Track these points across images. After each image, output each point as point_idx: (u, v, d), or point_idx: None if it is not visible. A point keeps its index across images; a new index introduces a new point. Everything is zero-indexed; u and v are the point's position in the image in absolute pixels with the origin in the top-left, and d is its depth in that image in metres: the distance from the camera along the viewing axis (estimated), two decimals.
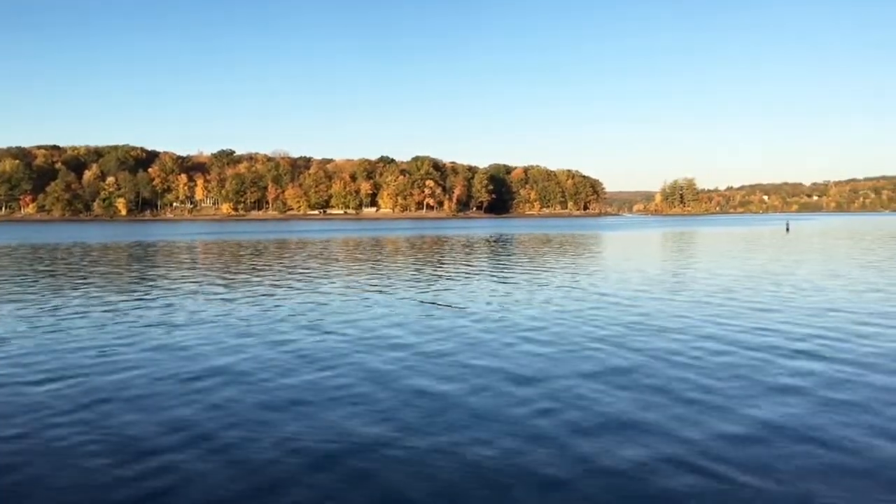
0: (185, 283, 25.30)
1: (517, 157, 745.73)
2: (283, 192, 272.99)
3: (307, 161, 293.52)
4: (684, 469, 6.94)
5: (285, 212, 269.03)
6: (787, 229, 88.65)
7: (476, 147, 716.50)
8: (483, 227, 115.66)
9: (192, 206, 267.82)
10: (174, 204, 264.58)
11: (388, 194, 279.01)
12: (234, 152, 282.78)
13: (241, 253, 45.28)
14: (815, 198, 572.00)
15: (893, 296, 19.96)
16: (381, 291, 22.10)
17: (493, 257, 39.10)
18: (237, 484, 6.73)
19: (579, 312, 17.09)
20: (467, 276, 27.32)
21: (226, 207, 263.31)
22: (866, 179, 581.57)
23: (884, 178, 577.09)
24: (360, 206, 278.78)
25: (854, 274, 26.60)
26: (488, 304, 18.89)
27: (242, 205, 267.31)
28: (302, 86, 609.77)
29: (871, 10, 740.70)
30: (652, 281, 24.77)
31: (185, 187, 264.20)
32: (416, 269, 30.44)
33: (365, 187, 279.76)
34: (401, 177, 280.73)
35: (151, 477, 6.91)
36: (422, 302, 19.47)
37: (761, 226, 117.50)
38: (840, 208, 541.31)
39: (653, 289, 22.19)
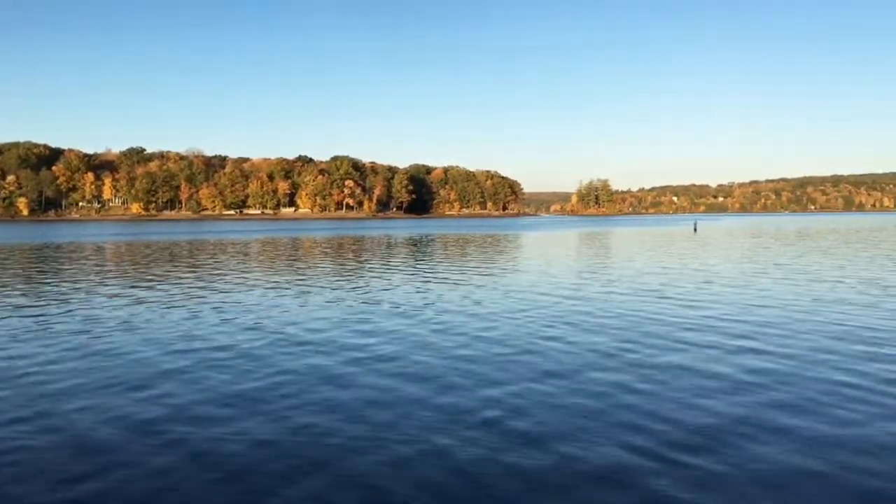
0: (101, 286, 24.28)
1: (437, 157, 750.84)
2: (197, 191, 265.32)
3: (222, 160, 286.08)
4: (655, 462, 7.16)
5: (199, 212, 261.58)
6: (695, 229, 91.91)
7: (396, 147, 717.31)
8: (405, 228, 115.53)
9: (99, 205, 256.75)
10: (80, 204, 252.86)
11: (307, 194, 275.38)
12: (144, 150, 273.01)
13: (157, 255, 43.72)
14: (721, 199, 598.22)
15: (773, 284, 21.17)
16: (309, 292, 21.80)
17: (419, 257, 39.14)
18: (218, 488, 6.54)
19: (517, 311, 17.33)
20: (399, 275, 27.27)
21: (136, 207, 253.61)
22: (767, 182, 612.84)
23: (783, 180, 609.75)
24: (277, 206, 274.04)
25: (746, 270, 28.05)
26: (424, 303, 18.93)
27: (154, 204, 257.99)
28: (216, 83, 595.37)
29: (785, 14, 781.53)
30: (585, 279, 25.38)
31: (92, 186, 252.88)
32: (345, 269, 30.16)
33: (283, 187, 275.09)
34: (320, 176, 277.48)
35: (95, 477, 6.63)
36: (355, 303, 19.33)
37: (672, 226, 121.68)
38: (744, 209, 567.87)
39: (586, 287, 22.74)
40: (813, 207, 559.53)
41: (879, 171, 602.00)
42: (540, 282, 24.49)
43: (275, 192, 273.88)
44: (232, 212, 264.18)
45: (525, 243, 57.63)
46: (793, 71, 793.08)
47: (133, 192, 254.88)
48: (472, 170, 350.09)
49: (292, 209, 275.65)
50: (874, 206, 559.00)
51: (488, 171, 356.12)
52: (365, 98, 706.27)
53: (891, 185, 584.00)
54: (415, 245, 54.37)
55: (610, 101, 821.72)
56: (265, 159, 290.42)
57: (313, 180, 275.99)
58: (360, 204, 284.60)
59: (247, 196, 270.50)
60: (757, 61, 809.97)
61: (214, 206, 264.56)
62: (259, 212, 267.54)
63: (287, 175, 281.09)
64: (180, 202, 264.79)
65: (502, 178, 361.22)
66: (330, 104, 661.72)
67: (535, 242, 59.66)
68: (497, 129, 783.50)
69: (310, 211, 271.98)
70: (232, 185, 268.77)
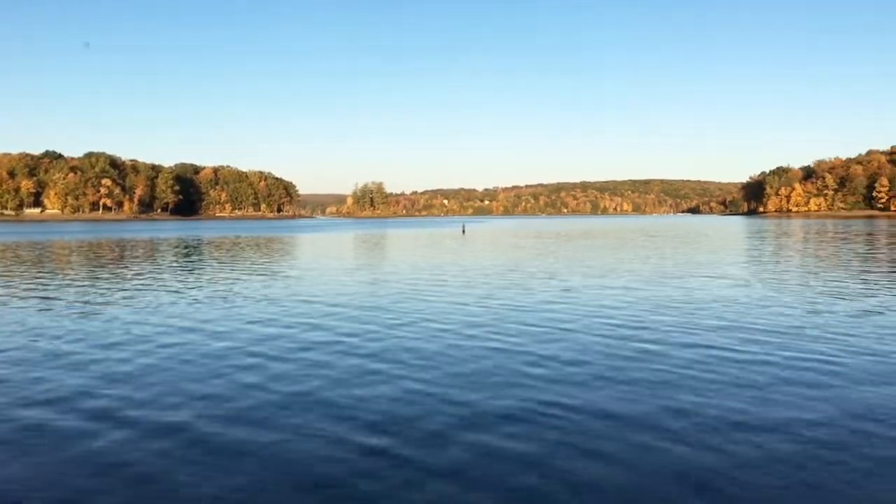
0: None
1: (206, 156, 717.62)
2: None
3: None
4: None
5: None
6: (464, 232, 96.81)
7: (160, 144, 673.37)
8: (168, 230, 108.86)
9: None
10: None
11: (56, 194, 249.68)
12: None
13: None
14: (487, 202, 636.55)
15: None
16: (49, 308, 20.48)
17: (182, 263, 37.76)
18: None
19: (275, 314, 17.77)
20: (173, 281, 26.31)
21: None
22: (527, 186, 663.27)
23: (541, 185, 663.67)
24: (20, 206, 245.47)
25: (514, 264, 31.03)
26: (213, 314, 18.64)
27: None
28: None
29: (548, 29, 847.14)
30: (375, 281, 26.31)
31: None
32: (99, 277, 28.40)
33: (26, 185, 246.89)
34: (71, 174, 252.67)
35: None
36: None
37: (442, 228, 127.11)
38: (507, 212, 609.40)
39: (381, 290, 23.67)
40: (566, 210, 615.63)
41: (620, 178, 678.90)
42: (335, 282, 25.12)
43: (17, 190, 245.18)
44: None
45: (310, 246, 57.54)
46: (547, 82, 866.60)
47: None
48: (244, 170, 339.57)
49: (38, 210, 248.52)
50: (616, 209, 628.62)
51: (262, 172, 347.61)
52: (124, 91, 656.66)
53: (629, 192, 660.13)
54: (185, 249, 52.12)
55: (383, 103, 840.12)
56: (5, 154, 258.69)
57: (63, 179, 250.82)
58: (120, 205, 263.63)
59: None
60: (518, 72, 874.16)
61: None
62: None
63: (32, 172, 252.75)
64: None
65: (277, 179, 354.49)
66: (84, 95, 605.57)
67: (319, 245, 59.80)
68: (271, 128, 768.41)
69: (60, 212, 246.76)
70: None
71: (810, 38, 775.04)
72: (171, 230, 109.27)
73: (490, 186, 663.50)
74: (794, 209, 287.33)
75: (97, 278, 27.71)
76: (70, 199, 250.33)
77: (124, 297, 21.15)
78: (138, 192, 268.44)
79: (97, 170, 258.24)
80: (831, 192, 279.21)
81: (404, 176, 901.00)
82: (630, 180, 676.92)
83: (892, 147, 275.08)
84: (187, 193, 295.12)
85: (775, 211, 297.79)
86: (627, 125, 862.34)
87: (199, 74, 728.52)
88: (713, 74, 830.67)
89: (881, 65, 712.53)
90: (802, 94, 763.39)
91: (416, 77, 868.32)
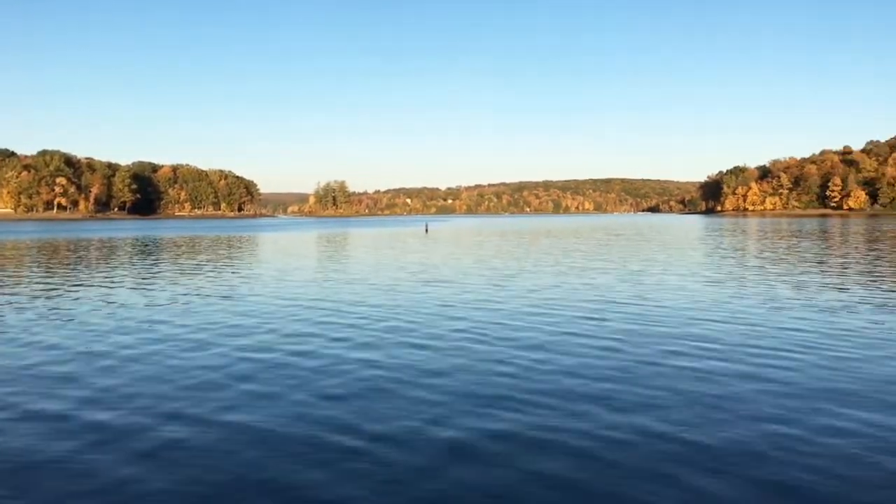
0: None
1: (165, 154, 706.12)
2: None
3: None
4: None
5: None
6: (427, 230, 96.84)
7: (118, 142, 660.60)
8: (126, 230, 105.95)
9: None
10: None
11: (9, 192, 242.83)
12: None
13: None
14: (450, 201, 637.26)
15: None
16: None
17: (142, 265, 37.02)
18: None
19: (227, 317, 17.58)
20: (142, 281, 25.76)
21: None
22: (490, 185, 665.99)
23: (503, 184, 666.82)
24: None
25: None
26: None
27: None
28: None
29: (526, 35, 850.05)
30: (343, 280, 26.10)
31: None
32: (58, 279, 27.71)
33: None
34: (24, 173, 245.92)
35: None
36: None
37: (405, 227, 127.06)
38: (470, 210, 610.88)
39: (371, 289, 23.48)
40: (528, 209, 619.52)
41: (581, 177, 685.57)
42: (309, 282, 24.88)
43: None
44: None
45: (274, 245, 56.88)
46: (513, 83, 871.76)
47: None
48: (204, 168, 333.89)
49: None
50: (577, 208, 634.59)
51: (222, 171, 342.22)
52: (79, 87, 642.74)
53: (591, 191, 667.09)
54: (147, 248, 51.08)
55: (348, 103, 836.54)
56: None
57: (16, 177, 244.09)
58: (76, 204, 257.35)
59: None
60: (486, 73, 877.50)
61: None
62: None
63: None
64: None
65: (237, 177, 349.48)
66: (37, 92, 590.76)
67: (283, 244, 59.15)
68: (231, 127, 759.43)
69: (12, 211, 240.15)
70: None
71: (767, 39, 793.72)
72: (130, 230, 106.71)
73: (453, 185, 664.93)
74: (751, 208, 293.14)
75: (86, 280, 27.06)
76: (23, 198, 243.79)
77: (111, 299, 20.73)
78: (94, 190, 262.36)
79: (51, 168, 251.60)
80: (786, 192, 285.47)
81: (367, 175, 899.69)
82: (591, 179, 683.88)
83: (844, 147, 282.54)
84: (145, 192, 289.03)
85: (732, 210, 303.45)
86: (589, 125, 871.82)
87: (161, 72, 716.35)
88: (672, 76, 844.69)
89: (835, 67, 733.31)
90: (758, 96, 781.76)
91: (391, 78, 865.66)
